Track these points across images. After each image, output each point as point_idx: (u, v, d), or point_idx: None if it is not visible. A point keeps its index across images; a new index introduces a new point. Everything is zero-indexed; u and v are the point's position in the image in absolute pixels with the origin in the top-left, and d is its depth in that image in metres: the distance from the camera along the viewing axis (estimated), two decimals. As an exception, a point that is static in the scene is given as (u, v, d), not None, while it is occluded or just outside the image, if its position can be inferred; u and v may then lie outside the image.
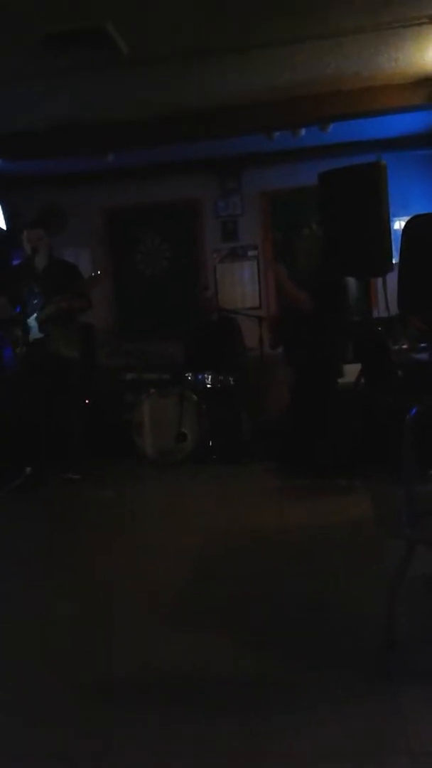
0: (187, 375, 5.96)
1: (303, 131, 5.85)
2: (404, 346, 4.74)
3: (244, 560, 3.36)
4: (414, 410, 2.19)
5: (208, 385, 5.92)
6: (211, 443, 5.79)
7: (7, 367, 5.63)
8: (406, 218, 6.72)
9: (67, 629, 2.72)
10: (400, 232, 2.52)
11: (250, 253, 7.09)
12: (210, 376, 5.93)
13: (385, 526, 3.62)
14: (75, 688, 2.24)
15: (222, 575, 3.18)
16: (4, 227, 6.89)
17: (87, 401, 5.93)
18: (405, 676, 2.16)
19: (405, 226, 2.51)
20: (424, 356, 3.98)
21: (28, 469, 5.11)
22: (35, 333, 5.19)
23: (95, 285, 5.24)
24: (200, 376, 5.93)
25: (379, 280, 5.15)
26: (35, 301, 5.19)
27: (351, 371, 4.99)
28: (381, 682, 2.13)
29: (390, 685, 2.11)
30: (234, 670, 2.30)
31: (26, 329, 5.21)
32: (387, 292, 4.79)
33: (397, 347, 4.81)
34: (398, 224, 6.19)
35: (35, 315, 5.17)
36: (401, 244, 2.45)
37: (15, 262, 5.86)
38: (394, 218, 4.86)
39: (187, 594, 2.97)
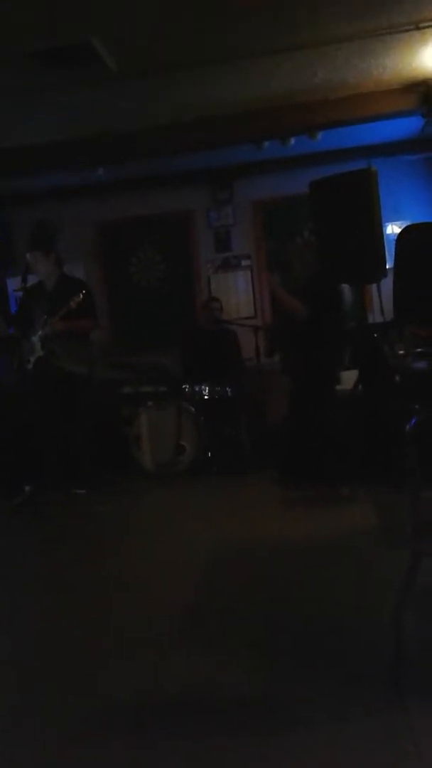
0: (184, 387, 5.95)
1: (293, 140, 5.86)
2: (401, 352, 4.73)
3: (246, 572, 3.34)
4: (414, 420, 2.17)
5: (206, 397, 5.90)
6: (210, 455, 5.77)
7: (4, 383, 5.62)
8: (398, 223, 6.76)
9: (67, 645, 2.69)
10: (394, 242, 2.50)
11: (244, 262, 7.09)
12: (207, 388, 5.92)
13: (389, 536, 3.59)
14: (75, 708, 2.21)
15: (224, 588, 3.16)
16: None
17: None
18: (414, 689, 2.13)
19: (398, 236, 2.50)
20: (422, 365, 3.97)
21: (28, 487, 5.09)
22: (39, 351, 5.17)
23: (75, 304, 5.07)
24: (197, 388, 5.91)
25: (374, 285, 5.15)
26: (41, 320, 5.18)
27: (348, 378, 4.98)
28: (389, 694, 2.11)
29: (399, 698, 2.08)
30: (238, 685, 2.27)
31: (31, 347, 5.20)
32: (381, 298, 4.79)
33: (393, 352, 4.80)
34: (390, 229, 6.22)
35: (38, 333, 5.16)
36: (396, 254, 2.43)
37: (8, 281, 5.86)
38: (386, 223, 4.87)
39: (189, 607, 2.94)
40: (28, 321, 5.28)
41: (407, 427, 2.19)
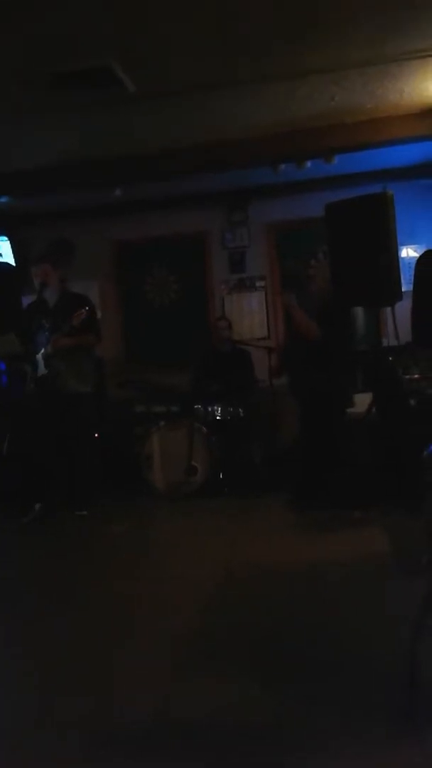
0: (196, 407, 5.93)
1: (308, 163, 5.88)
2: (416, 375, 4.71)
3: (258, 596, 3.30)
4: (431, 444, 2.15)
5: (218, 417, 5.89)
6: (222, 476, 5.74)
7: (16, 400, 5.63)
8: (413, 247, 6.74)
9: (74, 669, 2.65)
10: (413, 265, 2.49)
11: (258, 284, 7.10)
12: (220, 408, 5.90)
13: (403, 561, 3.55)
14: (80, 734, 2.17)
15: (235, 612, 3.12)
16: (12, 263, 6.93)
17: (96, 435, 5.89)
18: (429, 718, 2.09)
19: (419, 259, 2.49)
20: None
21: (38, 505, 5.08)
22: (42, 369, 5.18)
23: (78, 320, 5.04)
24: (210, 408, 5.90)
25: (388, 308, 5.14)
26: (44, 337, 5.19)
27: (362, 400, 4.95)
28: (404, 724, 2.06)
29: (413, 728, 2.03)
30: (249, 713, 2.23)
31: (35, 366, 5.20)
32: (396, 321, 4.78)
33: (408, 376, 4.78)
34: (405, 252, 6.22)
35: (42, 351, 5.17)
36: (415, 277, 2.42)
37: (24, 299, 5.88)
38: (401, 246, 4.86)
39: (199, 632, 2.90)
40: (31, 338, 5.29)
41: (425, 452, 2.16)
